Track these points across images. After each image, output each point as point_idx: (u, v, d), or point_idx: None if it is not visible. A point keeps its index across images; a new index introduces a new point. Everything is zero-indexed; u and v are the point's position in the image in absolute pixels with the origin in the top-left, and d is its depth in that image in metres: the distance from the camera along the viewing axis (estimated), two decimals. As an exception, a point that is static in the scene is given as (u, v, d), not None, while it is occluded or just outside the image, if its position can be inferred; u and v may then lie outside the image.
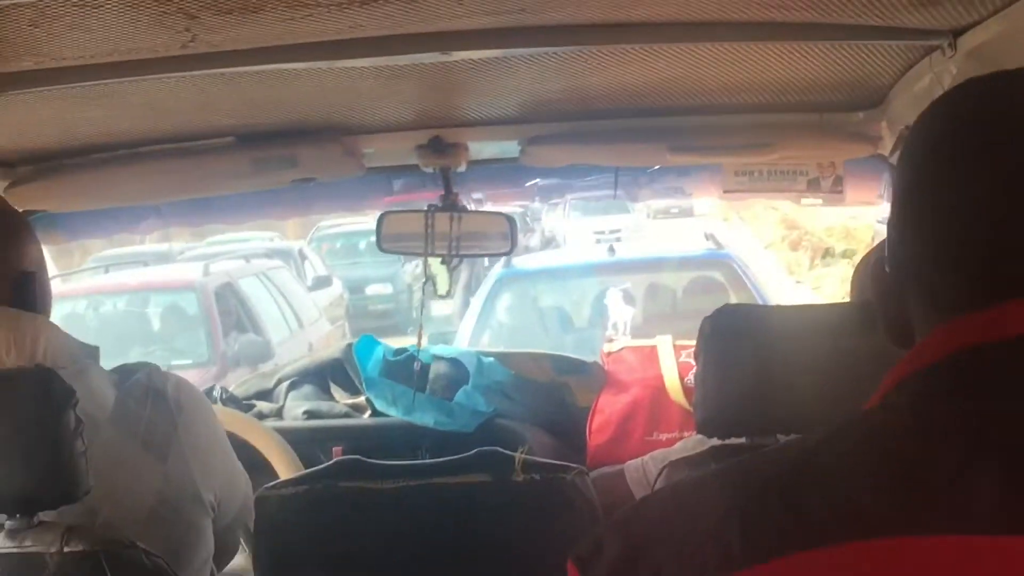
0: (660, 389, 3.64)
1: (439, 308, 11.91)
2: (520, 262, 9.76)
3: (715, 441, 2.43)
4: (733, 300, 7.87)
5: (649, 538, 1.00)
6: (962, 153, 1.04)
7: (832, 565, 0.90)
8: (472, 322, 8.81)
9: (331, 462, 2.42)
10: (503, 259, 8.66)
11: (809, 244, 25.14)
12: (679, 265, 9.27)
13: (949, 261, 1.03)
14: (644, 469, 2.90)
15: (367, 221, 19.99)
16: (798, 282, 22.33)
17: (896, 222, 1.09)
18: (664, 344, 3.71)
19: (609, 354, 3.79)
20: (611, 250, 9.56)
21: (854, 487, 0.94)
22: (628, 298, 8.01)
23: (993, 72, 1.09)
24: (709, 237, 9.36)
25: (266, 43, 2.01)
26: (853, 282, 2.49)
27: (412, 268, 17.13)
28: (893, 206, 1.11)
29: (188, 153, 2.91)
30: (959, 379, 0.99)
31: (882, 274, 1.12)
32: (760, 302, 7.94)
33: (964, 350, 0.99)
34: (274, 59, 2.09)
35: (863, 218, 21.84)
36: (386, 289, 20.61)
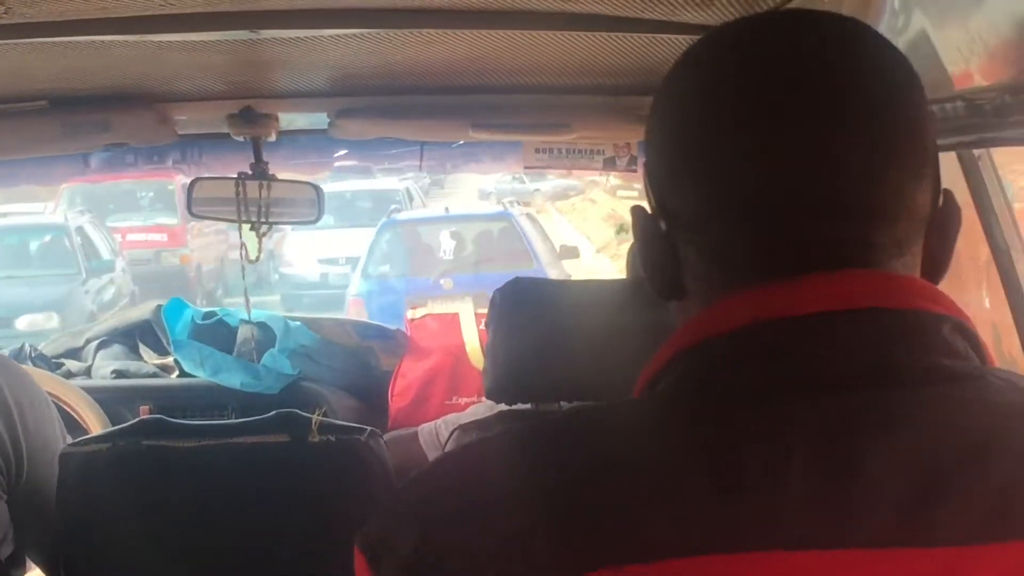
0: (461, 355, 3.75)
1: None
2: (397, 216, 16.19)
3: (503, 406, 2.55)
4: (515, 244, 14.32)
5: (445, 529, 0.91)
6: (756, 94, 0.95)
7: None
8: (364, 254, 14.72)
9: (135, 420, 2.45)
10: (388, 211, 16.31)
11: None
12: (487, 218, 15.78)
13: (739, 222, 0.94)
14: (436, 432, 3.01)
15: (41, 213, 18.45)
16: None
17: (669, 172, 1.00)
18: (466, 311, 3.82)
19: (412, 320, 3.88)
20: (447, 209, 16.14)
21: (664, 493, 0.86)
22: (455, 236, 14.79)
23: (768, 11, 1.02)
24: (505, 205, 16.29)
25: (79, 16, 2.03)
26: (628, 259, 2.60)
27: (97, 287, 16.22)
28: (659, 152, 1.02)
29: (1, 116, 2.91)
30: (748, 359, 0.92)
31: (654, 227, 1.01)
32: (527, 248, 14.36)
33: (758, 323, 0.92)
34: (87, 31, 2.12)
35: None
36: (50, 321, 14.98)
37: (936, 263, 0.98)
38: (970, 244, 2.17)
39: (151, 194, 19.82)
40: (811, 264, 0.92)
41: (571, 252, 17.07)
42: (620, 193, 29.27)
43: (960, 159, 2.10)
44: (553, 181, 29.61)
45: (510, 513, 0.89)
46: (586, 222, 26.66)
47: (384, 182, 20.68)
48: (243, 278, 3.68)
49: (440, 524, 0.92)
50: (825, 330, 0.90)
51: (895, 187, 0.93)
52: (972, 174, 2.12)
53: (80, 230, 17.16)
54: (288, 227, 15.63)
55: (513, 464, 0.95)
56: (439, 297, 10.53)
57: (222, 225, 20.47)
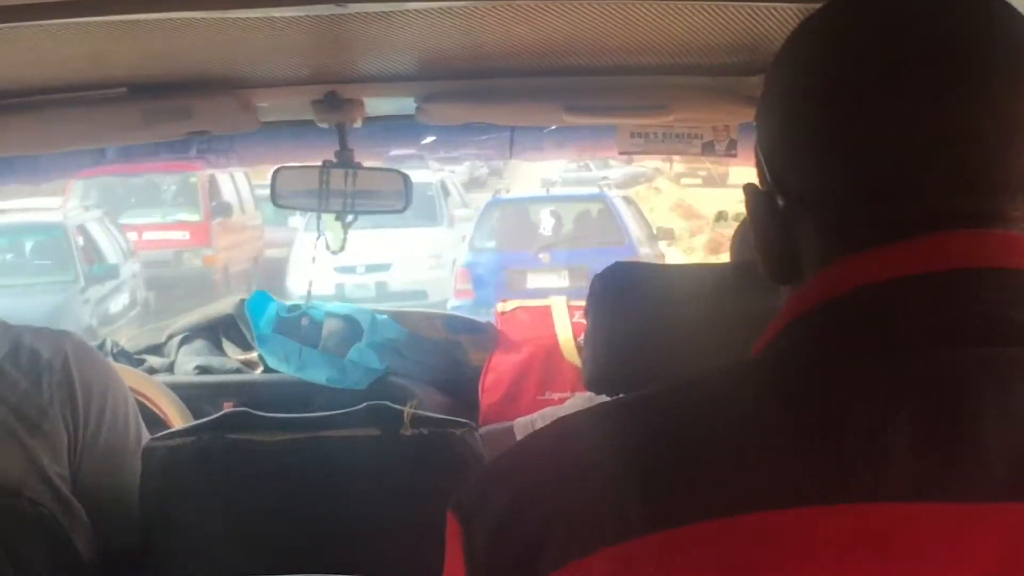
0: (553, 348, 3.69)
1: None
2: (502, 196, 17.92)
3: (604, 398, 2.46)
4: (609, 224, 15.91)
5: (536, 492, 0.92)
6: (881, 64, 0.94)
7: (740, 536, 0.83)
8: (471, 230, 16.51)
9: (219, 414, 2.42)
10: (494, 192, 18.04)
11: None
12: (585, 199, 17.14)
13: (862, 197, 0.94)
14: (534, 426, 2.93)
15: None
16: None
17: (787, 146, 1.00)
18: (558, 304, 3.77)
19: (503, 313, 3.83)
20: (547, 190, 18.85)
21: (759, 449, 0.86)
22: (554, 215, 16.54)
23: None
24: (600, 187, 18.22)
25: None
26: (733, 243, 2.53)
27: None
28: (776, 126, 1.01)
29: (80, 103, 2.87)
30: (864, 318, 0.92)
31: (769, 205, 1.00)
32: (621, 227, 15.88)
33: (869, 285, 0.92)
34: (166, 7, 2.07)
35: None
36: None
37: None
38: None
39: (173, 187, 18.41)
40: (922, 231, 0.92)
41: (668, 234, 18.34)
42: (684, 181, 29.52)
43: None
44: (620, 169, 29.45)
45: (601, 472, 0.90)
46: (653, 212, 26.46)
47: (416, 175, 19.60)
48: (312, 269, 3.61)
49: (531, 485, 0.93)
50: (937, 288, 0.90)
51: (1020, 160, 0.92)
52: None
53: (83, 229, 15.61)
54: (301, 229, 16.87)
55: (606, 427, 0.97)
56: (539, 269, 14.63)
57: (258, 220, 19.75)
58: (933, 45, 0.92)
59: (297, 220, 18.07)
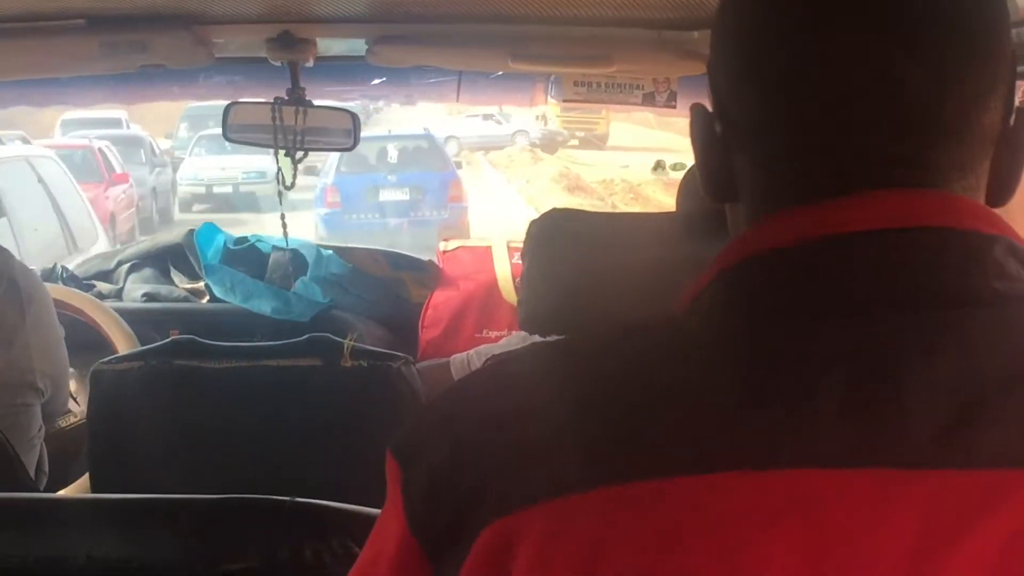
0: (492, 287, 3.74)
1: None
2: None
3: (537, 338, 2.53)
4: (435, 155, 20.97)
5: (474, 442, 0.91)
6: (821, 2, 0.92)
7: (673, 499, 0.82)
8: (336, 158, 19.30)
9: (167, 340, 2.46)
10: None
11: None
12: (416, 137, 21.65)
13: (792, 134, 0.93)
14: (469, 362, 3.00)
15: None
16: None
17: (729, 75, 0.98)
18: (499, 245, 3.81)
19: (444, 252, 3.87)
20: (389, 131, 22.46)
21: (693, 410, 0.85)
22: (397, 148, 20.74)
23: None
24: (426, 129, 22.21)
25: None
26: (679, 191, 2.57)
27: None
28: (722, 54, 1.00)
29: (37, 33, 2.89)
30: (795, 276, 0.89)
31: (710, 127, 0.99)
32: (445, 159, 20.81)
33: (801, 241, 0.90)
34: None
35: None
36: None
37: (1002, 182, 0.95)
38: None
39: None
40: (862, 182, 0.90)
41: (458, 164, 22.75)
42: (561, 151, 29.46)
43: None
44: (479, 131, 30.74)
45: (540, 420, 0.89)
46: (529, 184, 25.72)
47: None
48: (280, 205, 3.65)
49: (470, 430, 0.92)
50: (869, 249, 0.88)
51: (958, 107, 0.91)
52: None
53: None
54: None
55: (543, 374, 0.95)
56: (386, 186, 19.44)
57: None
58: None
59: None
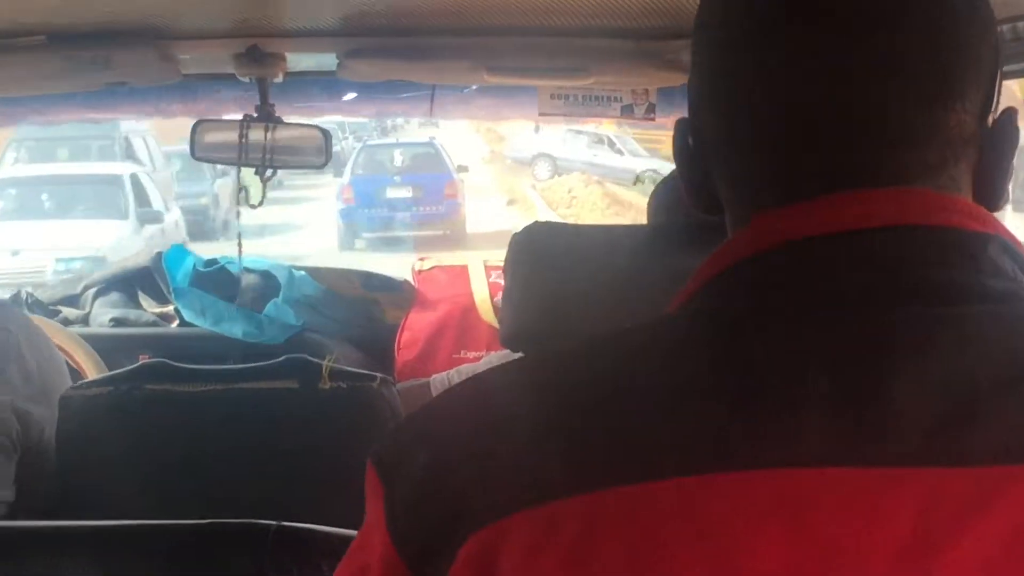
0: (469, 308, 3.71)
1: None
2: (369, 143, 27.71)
3: (519, 356, 2.48)
4: (436, 160, 24.89)
5: (455, 453, 0.90)
6: (770, 14, 0.93)
7: (658, 501, 0.82)
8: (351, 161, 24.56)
9: (137, 364, 2.41)
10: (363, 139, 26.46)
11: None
12: (419, 144, 25.96)
13: (755, 147, 0.94)
14: (450, 382, 2.95)
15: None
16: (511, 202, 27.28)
17: (700, 92, 1.00)
18: (475, 264, 3.77)
19: (420, 272, 3.84)
20: (397, 140, 27.73)
21: (677, 412, 0.85)
22: (402, 153, 25.36)
23: None
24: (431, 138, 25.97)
25: None
26: (650, 205, 2.55)
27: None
28: (695, 71, 1.01)
29: None
30: (782, 277, 0.90)
31: (685, 146, 1.02)
32: (445, 163, 24.66)
33: (786, 244, 0.90)
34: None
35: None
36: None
37: (988, 185, 0.95)
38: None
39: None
40: (835, 187, 0.90)
41: (463, 168, 25.33)
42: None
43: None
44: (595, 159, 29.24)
45: (519, 430, 0.89)
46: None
47: (105, 167, 19.10)
48: (238, 223, 3.61)
49: (449, 442, 0.92)
50: (855, 247, 0.88)
51: (922, 108, 0.91)
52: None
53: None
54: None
55: (523, 384, 0.95)
56: (393, 186, 23.50)
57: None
58: None
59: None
